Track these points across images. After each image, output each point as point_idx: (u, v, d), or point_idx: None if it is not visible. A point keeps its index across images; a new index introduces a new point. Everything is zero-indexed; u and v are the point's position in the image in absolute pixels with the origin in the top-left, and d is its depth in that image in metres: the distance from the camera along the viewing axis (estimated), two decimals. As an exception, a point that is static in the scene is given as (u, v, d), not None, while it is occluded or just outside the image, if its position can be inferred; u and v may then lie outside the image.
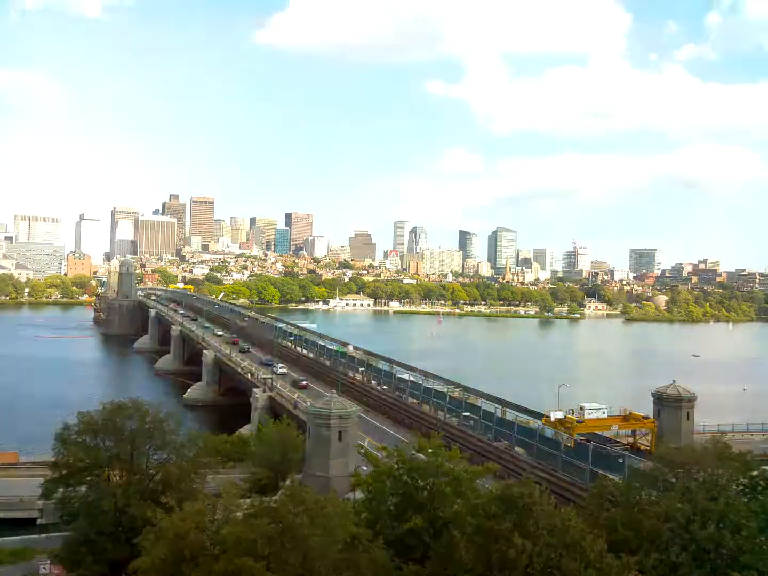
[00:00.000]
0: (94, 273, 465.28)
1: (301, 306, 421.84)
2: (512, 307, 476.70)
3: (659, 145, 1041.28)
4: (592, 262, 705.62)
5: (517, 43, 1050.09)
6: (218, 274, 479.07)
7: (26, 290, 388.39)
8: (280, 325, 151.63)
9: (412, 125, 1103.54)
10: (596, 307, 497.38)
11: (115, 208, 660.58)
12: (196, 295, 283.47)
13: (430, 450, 37.35)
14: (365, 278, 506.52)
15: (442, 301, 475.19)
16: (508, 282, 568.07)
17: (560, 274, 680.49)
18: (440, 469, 35.68)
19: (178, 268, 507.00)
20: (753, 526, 29.69)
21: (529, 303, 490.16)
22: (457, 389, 79.38)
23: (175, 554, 29.36)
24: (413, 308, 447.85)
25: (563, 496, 45.49)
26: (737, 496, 32.97)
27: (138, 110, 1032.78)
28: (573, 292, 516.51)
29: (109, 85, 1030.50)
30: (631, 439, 67.91)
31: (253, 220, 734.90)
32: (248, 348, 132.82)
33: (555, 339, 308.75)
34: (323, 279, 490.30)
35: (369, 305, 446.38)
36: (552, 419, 64.02)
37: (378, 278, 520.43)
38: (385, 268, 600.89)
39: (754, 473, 35.63)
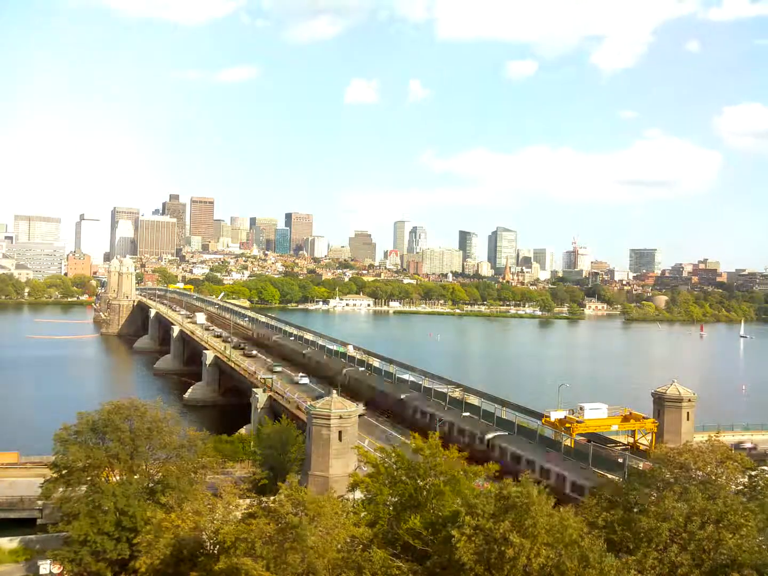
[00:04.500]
0: (94, 273, 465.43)
1: (301, 306, 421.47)
2: (512, 307, 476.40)
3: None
4: (592, 262, 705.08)
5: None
6: (218, 274, 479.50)
7: (26, 290, 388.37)
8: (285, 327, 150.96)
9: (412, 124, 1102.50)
10: (596, 307, 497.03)
11: (115, 208, 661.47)
12: (196, 295, 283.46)
13: (428, 450, 37.37)
14: (365, 278, 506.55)
15: (442, 301, 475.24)
16: (508, 282, 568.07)
17: (560, 274, 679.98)
18: (438, 469, 35.69)
19: (178, 268, 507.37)
20: (752, 525, 29.66)
21: (529, 303, 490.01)
22: (457, 389, 79.28)
23: (175, 554, 29.44)
24: (413, 308, 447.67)
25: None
26: (736, 495, 32.94)
27: (138, 110, 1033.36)
28: (573, 292, 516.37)
29: (109, 85, 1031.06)
30: (631, 439, 67.87)
31: (253, 220, 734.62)
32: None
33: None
34: (323, 279, 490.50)
35: (369, 305, 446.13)
36: (552, 419, 63.95)
37: (378, 278, 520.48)
38: (385, 268, 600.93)
39: (753, 473, 35.62)
